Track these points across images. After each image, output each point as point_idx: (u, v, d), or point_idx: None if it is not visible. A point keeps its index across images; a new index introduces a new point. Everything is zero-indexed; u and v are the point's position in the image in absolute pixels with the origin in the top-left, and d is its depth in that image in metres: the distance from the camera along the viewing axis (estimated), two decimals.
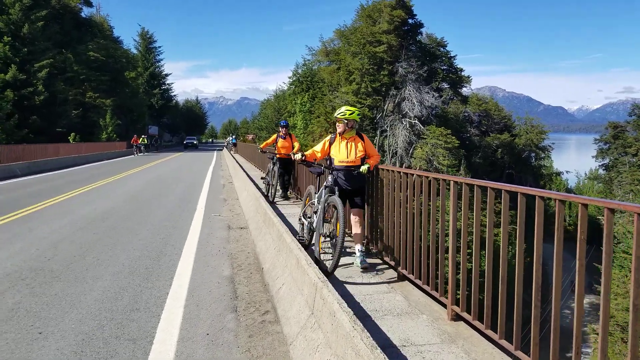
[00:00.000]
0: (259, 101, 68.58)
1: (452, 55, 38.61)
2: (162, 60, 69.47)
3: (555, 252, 2.57)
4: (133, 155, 36.67)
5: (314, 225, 4.91)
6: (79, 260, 5.53)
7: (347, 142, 4.85)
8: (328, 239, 4.73)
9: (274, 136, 10.08)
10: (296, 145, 9.81)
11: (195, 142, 59.71)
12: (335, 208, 4.47)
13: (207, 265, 5.40)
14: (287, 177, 10.12)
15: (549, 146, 50.87)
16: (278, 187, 9.82)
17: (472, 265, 3.50)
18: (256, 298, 4.31)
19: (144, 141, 39.87)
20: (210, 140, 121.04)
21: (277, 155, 9.68)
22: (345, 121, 4.78)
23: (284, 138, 9.86)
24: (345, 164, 4.79)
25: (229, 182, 15.56)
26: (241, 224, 7.99)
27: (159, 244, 6.45)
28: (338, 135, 4.89)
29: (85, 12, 47.43)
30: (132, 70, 54.95)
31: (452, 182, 3.52)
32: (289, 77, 46.38)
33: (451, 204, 3.54)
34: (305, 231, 5.34)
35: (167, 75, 70.71)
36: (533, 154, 50.46)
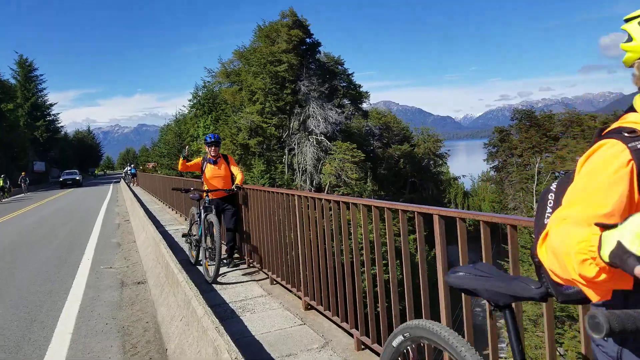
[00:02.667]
0: (158, 127, 64.64)
1: (349, 72, 39.71)
2: (45, 89, 63.87)
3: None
4: None
5: None
6: None
7: None
8: None
9: (198, 160, 6.21)
10: (238, 175, 5.91)
11: (77, 178, 44.98)
12: None
13: (87, 350, 4.05)
14: (231, 232, 5.99)
15: (445, 153, 54.47)
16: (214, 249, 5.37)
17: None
18: None
19: (1, 182, 29.34)
20: (103, 172, 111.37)
21: (210, 195, 5.73)
22: None
23: (215, 163, 5.94)
24: None
25: (125, 220, 13.68)
26: (138, 277, 6.60)
27: (21, 323, 4.90)
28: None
29: None
30: (10, 101, 49.05)
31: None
32: (189, 100, 44.37)
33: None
34: None
35: (52, 105, 65.29)
36: (432, 162, 53.60)
